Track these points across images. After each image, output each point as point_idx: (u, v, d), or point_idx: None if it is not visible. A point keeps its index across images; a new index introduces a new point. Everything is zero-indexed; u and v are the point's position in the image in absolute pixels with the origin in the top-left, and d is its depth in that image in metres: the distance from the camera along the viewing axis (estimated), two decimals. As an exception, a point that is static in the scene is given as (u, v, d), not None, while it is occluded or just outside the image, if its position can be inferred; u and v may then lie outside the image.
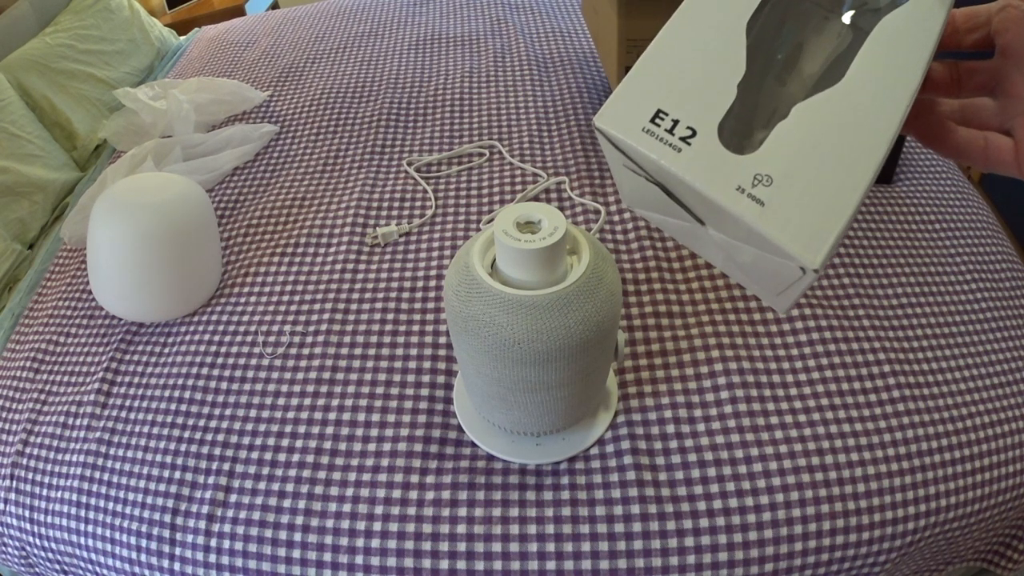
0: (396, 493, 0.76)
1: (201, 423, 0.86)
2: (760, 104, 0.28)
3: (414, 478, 0.77)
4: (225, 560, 0.76)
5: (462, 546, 0.72)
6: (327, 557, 0.73)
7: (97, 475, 0.84)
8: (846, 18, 0.30)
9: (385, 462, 0.79)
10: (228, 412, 0.87)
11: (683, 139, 0.27)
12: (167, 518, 0.79)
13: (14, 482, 0.87)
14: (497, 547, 0.72)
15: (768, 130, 0.27)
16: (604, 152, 0.31)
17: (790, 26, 0.30)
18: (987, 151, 0.30)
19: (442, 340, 0.90)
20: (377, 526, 0.74)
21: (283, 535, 0.75)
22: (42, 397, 0.94)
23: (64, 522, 0.83)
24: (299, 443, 0.82)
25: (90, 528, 0.81)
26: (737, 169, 0.27)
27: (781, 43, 0.30)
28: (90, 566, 0.83)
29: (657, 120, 0.28)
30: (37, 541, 0.85)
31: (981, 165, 0.31)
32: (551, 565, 0.70)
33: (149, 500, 0.80)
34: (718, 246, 0.31)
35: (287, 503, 0.77)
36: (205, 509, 0.78)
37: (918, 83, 0.28)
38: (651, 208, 0.32)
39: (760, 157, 0.27)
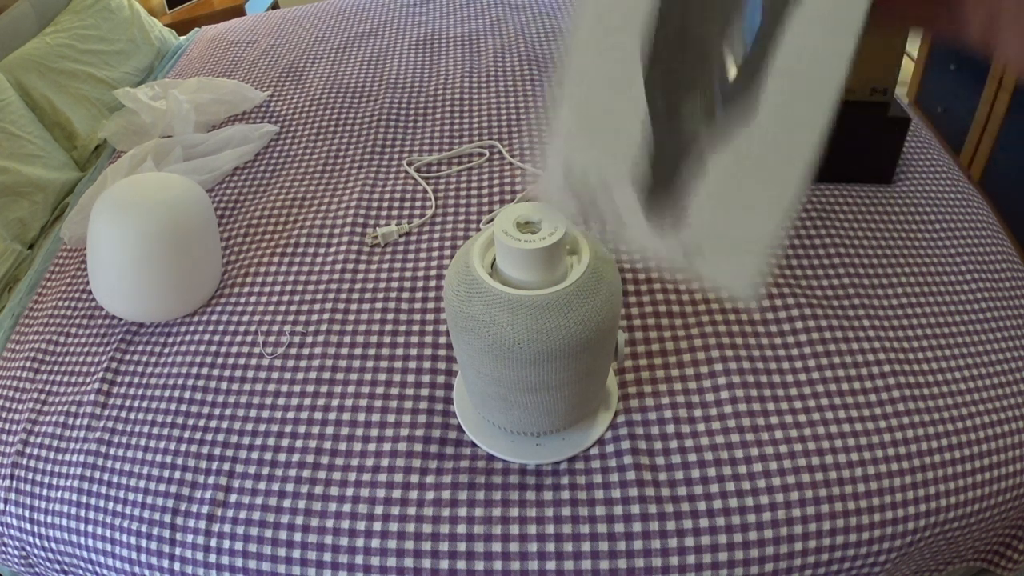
0: (396, 493, 0.76)
1: (201, 423, 0.86)
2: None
3: (414, 478, 0.77)
4: (225, 560, 0.76)
5: (462, 546, 0.72)
6: (327, 557, 0.73)
7: (97, 475, 0.84)
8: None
9: (385, 462, 0.78)
10: (228, 412, 0.86)
11: None
12: (167, 518, 0.79)
13: (14, 482, 0.87)
14: (497, 547, 0.71)
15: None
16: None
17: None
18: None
19: (442, 340, 0.90)
20: (377, 526, 0.74)
21: (283, 535, 0.75)
22: (42, 397, 0.94)
23: (64, 522, 0.83)
24: (299, 443, 0.82)
25: (90, 528, 0.81)
26: None
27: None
28: (90, 566, 0.83)
29: None
30: (37, 541, 0.85)
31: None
32: (551, 565, 0.70)
33: (149, 500, 0.80)
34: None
35: (287, 503, 0.77)
36: (205, 509, 0.78)
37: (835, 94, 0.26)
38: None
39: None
